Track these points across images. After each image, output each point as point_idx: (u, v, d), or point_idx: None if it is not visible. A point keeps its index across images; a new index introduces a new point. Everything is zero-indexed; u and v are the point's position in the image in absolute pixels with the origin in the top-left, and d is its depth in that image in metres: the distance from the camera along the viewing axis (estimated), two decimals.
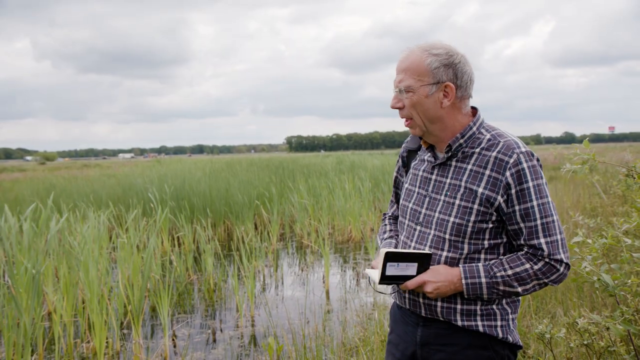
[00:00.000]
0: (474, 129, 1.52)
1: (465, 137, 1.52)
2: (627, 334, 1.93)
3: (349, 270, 7.07)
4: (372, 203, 10.94)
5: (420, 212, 1.60)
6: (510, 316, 1.54)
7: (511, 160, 1.43)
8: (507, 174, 1.43)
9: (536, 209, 1.42)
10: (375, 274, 1.45)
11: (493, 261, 1.46)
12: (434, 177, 1.59)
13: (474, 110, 1.58)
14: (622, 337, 1.95)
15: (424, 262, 1.45)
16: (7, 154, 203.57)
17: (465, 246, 1.49)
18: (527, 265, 1.42)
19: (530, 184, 1.42)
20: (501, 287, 1.43)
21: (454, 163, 1.54)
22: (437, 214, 1.54)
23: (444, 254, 1.51)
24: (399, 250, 1.41)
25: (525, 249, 1.44)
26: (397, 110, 1.56)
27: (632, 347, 1.99)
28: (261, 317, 5.21)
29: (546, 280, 1.43)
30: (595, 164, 2.11)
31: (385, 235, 1.83)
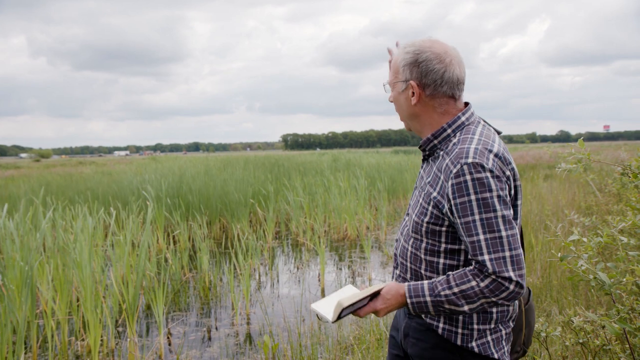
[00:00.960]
0: (449, 130, 1.50)
1: (439, 138, 1.51)
2: (622, 332, 1.94)
3: (345, 268, 7.06)
4: (367, 201, 10.95)
5: (410, 204, 1.64)
6: (475, 326, 1.48)
7: (454, 171, 1.38)
8: (449, 183, 1.39)
9: (478, 223, 1.35)
10: (325, 312, 1.43)
11: (440, 278, 1.41)
12: (421, 171, 1.63)
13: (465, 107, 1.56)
14: (617, 336, 1.95)
15: (375, 294, 1.44)
16: (2, 151, 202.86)
17: (423, 244, 1.50)
18: (474, 283, 1.35)
19: (472, 197, 1.35)
20: (446, 306, 1.38)
21: (430, 161, 1.57)
22: (410, 209, 1.59)
23: (409, 248, 1.55)
24: (354, 300, 1.38)
25: (473, 264, 1.38)
26: None
27: (627, 346, 1.99)
28: (257, 315, 5.21)
29: (494, 299, 1.35)
30: (590, 163, 2.10)
31: None
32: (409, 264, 1.56)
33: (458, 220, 1.39)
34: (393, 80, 1.56)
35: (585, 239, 2.01)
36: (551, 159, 22.06)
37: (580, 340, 2.21)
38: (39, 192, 10.59)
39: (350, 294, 1.48)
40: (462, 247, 1.46)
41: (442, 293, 1.38)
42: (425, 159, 1.61)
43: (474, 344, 1.47)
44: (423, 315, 1.53)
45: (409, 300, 1.42)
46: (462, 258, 1.47)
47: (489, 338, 1.49)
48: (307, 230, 8.86)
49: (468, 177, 1.35)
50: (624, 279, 1.92)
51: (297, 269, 7.14)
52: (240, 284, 5.68)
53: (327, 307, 1.44)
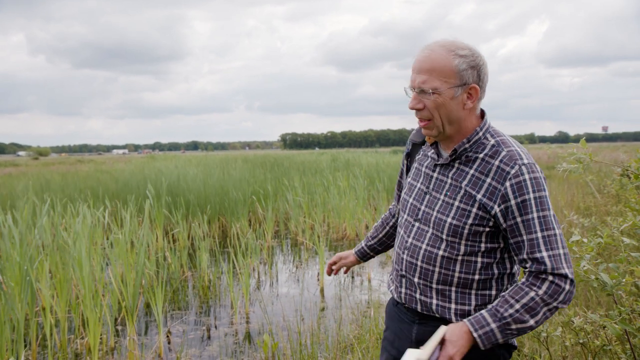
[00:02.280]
0: (480, 133, 1.51)
1: (471, 141, 1.50)
2: (623, 333, 1.94)
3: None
4: (366, 201, 10.95)
5: (419, 209, 1.59)
6: None
7: (512, 172, 1.41)
8: (507, 184, 1.41)
9: (536, 221, 1.39)
10: None
11: (495, 303, 1.42)
12: (435, 175, 1.58)
13: (482, 113, 1.56)
14: (618, 336, 1.96)
15: (441, 342, 1.41)
16: (0, 148, 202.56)
17: (462, 247, 1.48)
18: (532, 293, 1.37)
19: (531, 195, 1.40)
20: (513, 326, 1.38)
21: (456, 165, 1.53)
22: (435, 213, 1.53)
23: (440, 253, 1.51)
24: (427, 355, 1.33)
25: (528, 267, 1.40)
26: (415, 110, 1.52)
27: (628, 346, 2.00)
28: (256, 314, 5.21)
29: (555, 304, 1.37)
30: (590, 164, 2.11)
31: (365, 239, 2.06)
32: (437, 269, 1.52)
33: (517, 219, 1.40)
34: (444, 86, 1.44)
35: (585, 240, 2.02)
36: (550, 160, 22.08)
37: (581, 341, 2.22)
38: (38, 190, 10.59)
39: (416, 354, 1.39)
40: (500, 245, 1.49)
41: (506, 314, 1.37)
42: (446, 164, 1.56)
43: None
44: (454, 318, 1.51)
45: (475, 334, 1.38)
46: (497, 256, 1.50)
47: None
48: (307, 229, 8.87)
49: (527, 177, 1.40)
50: (624, 280, 1.93)
51: (296, 268, 7.15)
52: (239, 283, 5.68)
53: None
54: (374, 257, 2.07)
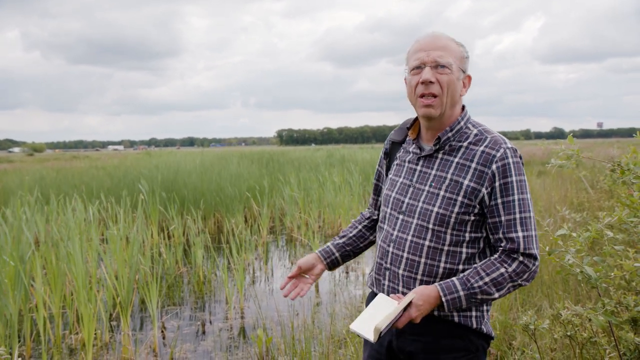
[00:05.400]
0: (462, 123, 1.57)
1: (454, 130, 1.56)
2: (608, 325, 1.97)
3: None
4: (361, 196, 10.98)
5: (403, 202, 1.62)
6: (485, 307, 1.58)
7: (498, 154, 1.48)
8: (493, 167, 1.48)
9: (516, 203, 1.47)
10: (365, 332, 1.44)
11: (467, 272, 1.48)
12: (419, 168, 1.62)
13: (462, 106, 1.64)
14: (603, 329, 1.99)
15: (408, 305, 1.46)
16: None
17: (448, 237, 1.52)
18: (502, 270, 1.45)
19: (514, 178, 1.48)
20: (479, 296, 1.46)
21: (440, 155, 1.57)
22: (420, 204, 1.56)
23: (426, 243, 1.54)
24: (388, 321, 1.40)
25: (502, 246, 1.48)
26: (423, 86, 1.52)
27: (612, 338, 2.03)
28: (250, 309, 5.23)
29: (520, 282, 1.47)
30: (580, 159, 2.14)
31: (338, 237, 1.89)
32: (423, 260, 1.55)
33: (498, 201, 1.48)
34: (455, 65, 1.52)
35: (574, 234, 2.04)
36: (544, 156, 22.15)
37: (568, 333, 2.25)
38: (32, 186, 10.56)
39: (383, 307, 1.50)
40: (483, 235, 1.55)
41: (476, 285, 1.45)
42: (428, 155, 1.60)
43: (482, 325, 1.57)
44: (436, 311, 1.54)
45: (444, 299, 1.46)
46: (481, 245, 1.56)
47: (486, 318, 1.60)
48: (302, 225, 8.88)
49: (511, 160, 1.48)
50: (612, 274, 1.95)
51: (292, 264, 7.17)
52: (234, 278, 5.70)
53: (365, 325, 1.46)
54: (340, 263, 1.87)
